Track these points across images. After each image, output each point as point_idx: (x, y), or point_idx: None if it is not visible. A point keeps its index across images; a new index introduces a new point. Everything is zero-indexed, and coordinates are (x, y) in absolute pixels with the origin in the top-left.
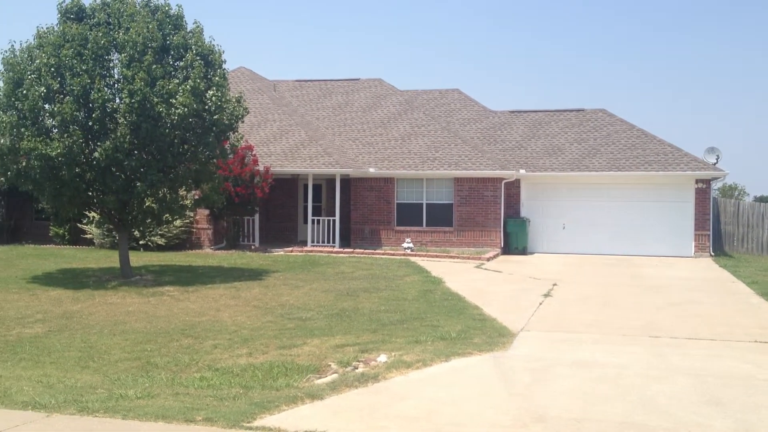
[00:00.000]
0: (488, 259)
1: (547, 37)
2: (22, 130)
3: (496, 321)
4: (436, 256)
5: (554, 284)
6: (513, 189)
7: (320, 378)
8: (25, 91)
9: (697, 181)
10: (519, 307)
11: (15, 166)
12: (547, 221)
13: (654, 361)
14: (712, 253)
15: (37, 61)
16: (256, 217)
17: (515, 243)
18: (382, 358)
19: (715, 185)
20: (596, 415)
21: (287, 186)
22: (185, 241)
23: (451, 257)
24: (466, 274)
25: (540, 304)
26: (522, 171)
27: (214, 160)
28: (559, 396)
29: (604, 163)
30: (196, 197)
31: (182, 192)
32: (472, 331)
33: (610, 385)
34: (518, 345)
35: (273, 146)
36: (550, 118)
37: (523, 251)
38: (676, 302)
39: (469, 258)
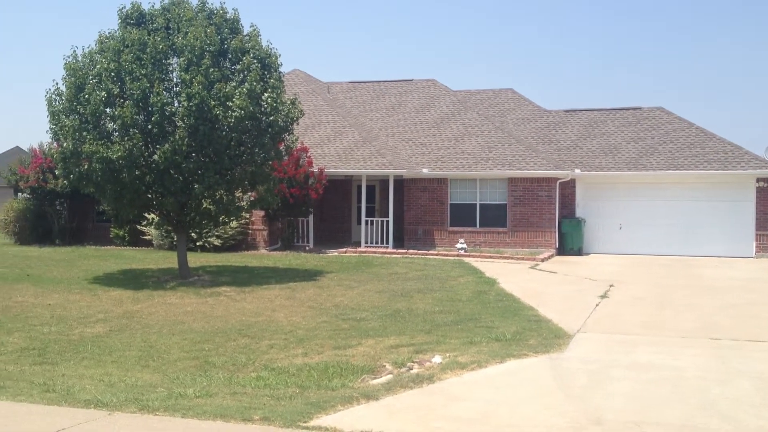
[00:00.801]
0: (543, 260)
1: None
2: (84, 133)
3: (552, 322)
4: (490, 257)
5: (611, 285)
6: (568, 189)
7: (375, 378)
8: (86, 96)
9: (758, 180)
10: (575, 308)
11: (77, 169)
12: (603, 221)
13: (714, 363)
14: None
15: (98, 66)
16: (311, 218)
17: (570, 243)
18: (437, 359)
19: None
20: (655, 418)
21: (341, 187)
22: (241, 242)
23: (505, 258)
24: (521, 275)
25: (596, 305)
26: (577, 171)
27: (270, 162)
28: (617, 398)
29: (662, 162)
30: (252, 199)
31: (238, 193)
32: (527, 332)
33: (668, 387)
34: (574, 347)
35: (327, 148)
36: (605, 116)
37: (579, 252)
38: (736, 303)
39: (523, 259)
